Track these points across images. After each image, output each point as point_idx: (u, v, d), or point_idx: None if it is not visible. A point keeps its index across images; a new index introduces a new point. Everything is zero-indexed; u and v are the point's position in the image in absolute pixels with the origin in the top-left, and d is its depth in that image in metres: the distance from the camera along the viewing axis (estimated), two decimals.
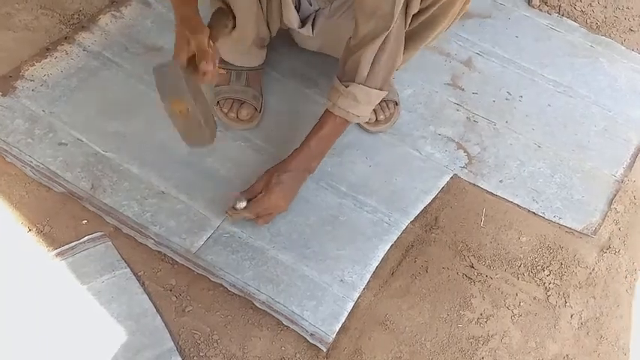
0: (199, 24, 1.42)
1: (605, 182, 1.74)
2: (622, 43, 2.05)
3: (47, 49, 1.79)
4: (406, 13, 1.47)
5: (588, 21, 2.09)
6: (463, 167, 1.73)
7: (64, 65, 1.76)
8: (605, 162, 1.78)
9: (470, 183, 1.70)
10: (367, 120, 1.67)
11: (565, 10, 2.11)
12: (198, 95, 1.37)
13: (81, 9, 1.89)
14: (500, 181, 1.71)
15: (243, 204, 1.51)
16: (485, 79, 1.92)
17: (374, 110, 1.72)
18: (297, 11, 1.62)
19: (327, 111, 1.55)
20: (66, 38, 1.82)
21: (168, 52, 1.82)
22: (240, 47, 1.68)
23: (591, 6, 2.13)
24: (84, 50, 1.80)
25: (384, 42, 1.46)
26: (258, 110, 1.74)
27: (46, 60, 1.77)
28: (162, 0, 1.94)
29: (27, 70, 1.74)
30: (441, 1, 1.48)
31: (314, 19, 1.63)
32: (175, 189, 1.59)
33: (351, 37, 1.50)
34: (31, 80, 1.72)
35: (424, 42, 1.61)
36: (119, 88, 1.74)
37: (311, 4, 1.62)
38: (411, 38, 1.57)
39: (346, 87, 1.50)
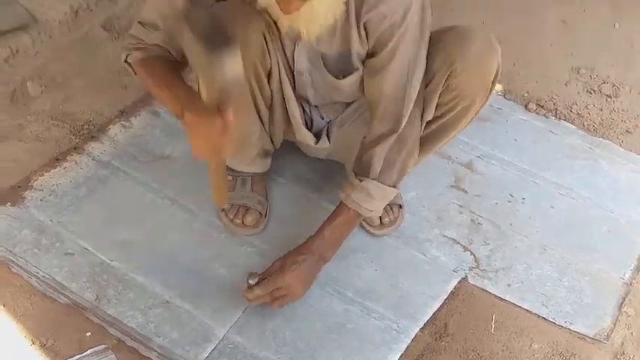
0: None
1: (614, 285, 1.73)
2: (620, 145, 2.09)
3: (57, 159, 1.83)
4: (422, 118, 1.52)
5: (585, 123, 2.14)
6: (470, 270, 1.72)
7: (72, 175, 1.80)
8: (612, 264, 1.77)
9: (478, 287, 1.69)
10: (379, 215, 1.68)
11: (562, 113, 2.16)
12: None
13: (91, 119, 1.95)
14: (509, 285, 1.70)
15: (254, 280, 1.51)
16: (487, 182, 1.95)
17: None
18: (311, 127, 1.67)
19: (341, 202, 1.58)
20: (75, 148, 1.86)
21: (175, 160, 1.87)
22: (244, 158, 1.72)
23: (587, 109, 2.18)
24: (93, 160, 1.84)
25: (397, 141, 1.51)
26: (264, 215, 1.75)
27: (55, 170, 1.80)
28: None
29: (36, 180, 1.77)
30: (455, 110, 1.54)
31: (327, 130, 1.67)
32: (180, 298, 1.58)
33: (366, 135, 1.55)
34: (40, 190, 1.75)
35: (437, 146, 1.66)
36: (127, 197, 1.77)
37: (322, 118, 1.67)
38: (425, 142, 1.62)
39: (360, 181, 1.53)
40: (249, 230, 1.73)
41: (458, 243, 1.78)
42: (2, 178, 1.76)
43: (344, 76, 1.51)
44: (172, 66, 1.43)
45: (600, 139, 2.10)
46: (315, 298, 1.62)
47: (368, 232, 1.77)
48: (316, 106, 1.65)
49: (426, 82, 1.51)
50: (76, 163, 1.82)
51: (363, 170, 1.54)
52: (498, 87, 2.20)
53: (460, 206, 1.88)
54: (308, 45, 1.45)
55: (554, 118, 2.16)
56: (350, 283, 1.67)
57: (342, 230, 1.59)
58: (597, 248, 1.81)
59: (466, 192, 1.91)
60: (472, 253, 1.76)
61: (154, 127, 1.95)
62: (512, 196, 1.92)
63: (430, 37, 1.49)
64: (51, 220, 1.69)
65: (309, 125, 1.66)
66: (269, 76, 1.51)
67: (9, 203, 1.71)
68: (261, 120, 1.60)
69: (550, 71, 2.28)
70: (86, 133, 1.91)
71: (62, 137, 1.89)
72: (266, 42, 1.43)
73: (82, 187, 1.77)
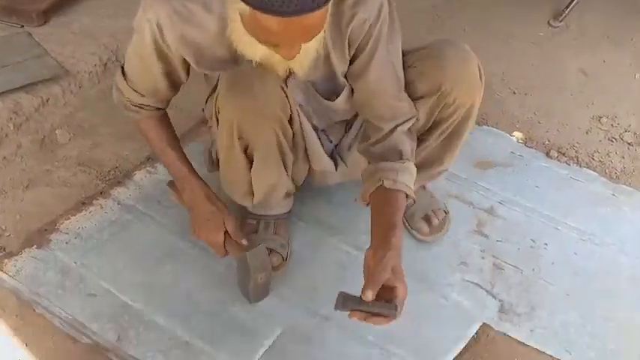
0: (223, 205, 1.65)
1: (639, 331, 1.69)
2: None
3: (83, 204, 1.87)
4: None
5: (607, 171, 2.13)
6: (492, 316, 1.70)
7: (97, 218, 1.83)
8: (637, 311, 1.73)
9: (500, 332, 1.66)
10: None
11: (583, 160, 2.16)
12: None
13: (117, 165, 2.00)
14: (532, 331, 1.67)
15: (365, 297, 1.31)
16: (509, 227, 1.93)
17: (427, 219, 1.82)
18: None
19: (385, 192, 1.48)
20: (101, 193, 1.90)
21: None
22: (268, 205, 1.75)
23: (609, 156, 2.18)
24: (118, 204, 1.88)
25: (414, 125, 1.57)
26: (285, 259, 1.76)
27: (81, 213, 1.84)
28: (195, 157, 2.03)
29: (62, 223, 1.81)
30: (459, 114, 1.61)
31: (340, 156, 1.72)
32: (200, 340, 1.58)
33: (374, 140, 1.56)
34: (66, 233, 1.79)
35: (456, 149, 1.72)
36: (149, 240, 1.79)
37: (331, 141, 1.72)
38: (444, 148, 1.70)
39: (402, 163, 1.52)
40: (272, 273, 1.73)
41: (480, 288, 1.77)
42: (30, 222, 1.81)
43: (336, 97, 1.57)
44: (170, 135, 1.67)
45: (623, 186, 2.09)
46: (335, 342, 1.60)
47: (420, 240, 1.83)
48: (323, 131, 1.69)
49: (413, 99, 1.57)
50: (102, 207, 1.86)
51: (394, 157, 1.52)
52: (519, 135, 2.22)
53: (482, 251, 1.86)
54: (298, 78, 1.49)
55: (575, 165, 2.15)
56: (370, 326, 1.64)
57: (399, 217, 1.45)
58: (622, 295, 1.77)
59: (488, 237, 1.90)
60: (495, 298, 1.74)
61: None
62: (534, 241, 1.90)
63: (404, 56, 1.56)
64: (75, 262, 1.72)
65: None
66: (290, 120, 1.55)
67: (35, 246, 1.75)
68: (285, 165, 1.63)
69: (571, 120, 2.29)
70: (112, 179, 1.95)
71: (89, 182, 1.94)
72: (284, 92, 1.49)
73: (106, 231, 1.81)
